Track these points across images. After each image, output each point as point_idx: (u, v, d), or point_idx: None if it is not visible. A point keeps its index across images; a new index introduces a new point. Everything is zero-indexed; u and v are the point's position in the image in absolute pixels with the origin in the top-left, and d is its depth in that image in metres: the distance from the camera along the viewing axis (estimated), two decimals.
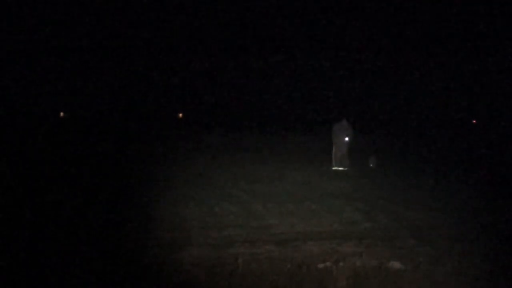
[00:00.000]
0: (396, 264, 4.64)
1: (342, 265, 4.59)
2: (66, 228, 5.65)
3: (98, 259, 4.62)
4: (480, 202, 7.97)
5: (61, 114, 33.51)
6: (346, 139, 11.76)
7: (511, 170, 12.53)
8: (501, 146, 18.89)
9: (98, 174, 9.99)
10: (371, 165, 12.32)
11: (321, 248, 5.12)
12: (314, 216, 6.64)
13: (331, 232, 5.88)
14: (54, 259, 4.58)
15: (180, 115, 35.70)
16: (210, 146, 17.09)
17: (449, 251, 5.18)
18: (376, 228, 6.13)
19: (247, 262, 4.65)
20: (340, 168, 11.70)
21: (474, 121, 33.58)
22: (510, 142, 20.55)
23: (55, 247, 4.92)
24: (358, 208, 7.18)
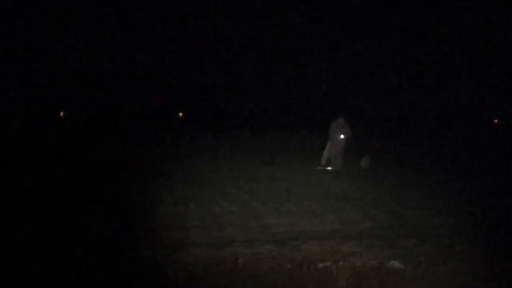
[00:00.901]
0: (396, 264, 4.63)
1: (342, 264, 4.58)
2: (66, 228, 5.65)
3: (98, 259, 4.61)
4: (480, 202, 7.97)
5: (61, 114, 33.48)
6: (342, 136, 11.63)
7: None
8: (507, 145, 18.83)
9: (98, 174, 9.98)
10: (362, 165, 11.99)
11: (321, 247, 5.12)
12: (314, 216, 6.64)
13: (331, 231, 5.88)
14: (54, 259, 4.57)
15: (180, 114, 35.70)
16: (210, 146, 17.09)
17: (449, 251, 5.18)
18: (376, 227, 6.13)
19: (247, 261, 4.64)
20: (329, 168, 11.58)
21: (497, 121, 32.50)
22: None
23: (55, 247, 4.91)
24: (358, 208, 7.18)
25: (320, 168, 11.58)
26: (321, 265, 4.56)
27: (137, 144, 17.19)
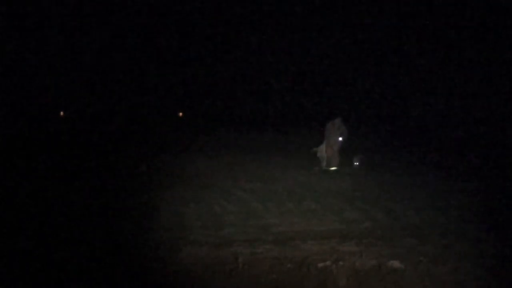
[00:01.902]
0: (396, 264, 4.64)
1: (342, 264, 4.58)
2: (66, 228, 5.65)
3: (98, 259, 4.61)
4: (480, 201, 7.97)
5: (61, 113, 33.48)
6: (340, 138, 11.62)
7: None
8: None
9: (98, 174, 9.99)
10: (355, 163, 11.80)
11: (321, 247, 5.12)
12: (314, 215, 6.64)
13: (331, 231, 5.88)
14: (53, 259, 4.58)
15: (180, 114, 35.69)
16: (210, 146, 17.08)
17: (449, 250, 5.18)
18: (376, 227, 6.13)
19: (247, 261, 4.65)
20: (331, 168, 11.55)
21: None
22: None
23: (55, 247, 4.92)
24: (358, 207, 7.18)
25: (323, 168, 11.58)
26: (321, 265, 4.57)
27: (137, 143, 17.19)
